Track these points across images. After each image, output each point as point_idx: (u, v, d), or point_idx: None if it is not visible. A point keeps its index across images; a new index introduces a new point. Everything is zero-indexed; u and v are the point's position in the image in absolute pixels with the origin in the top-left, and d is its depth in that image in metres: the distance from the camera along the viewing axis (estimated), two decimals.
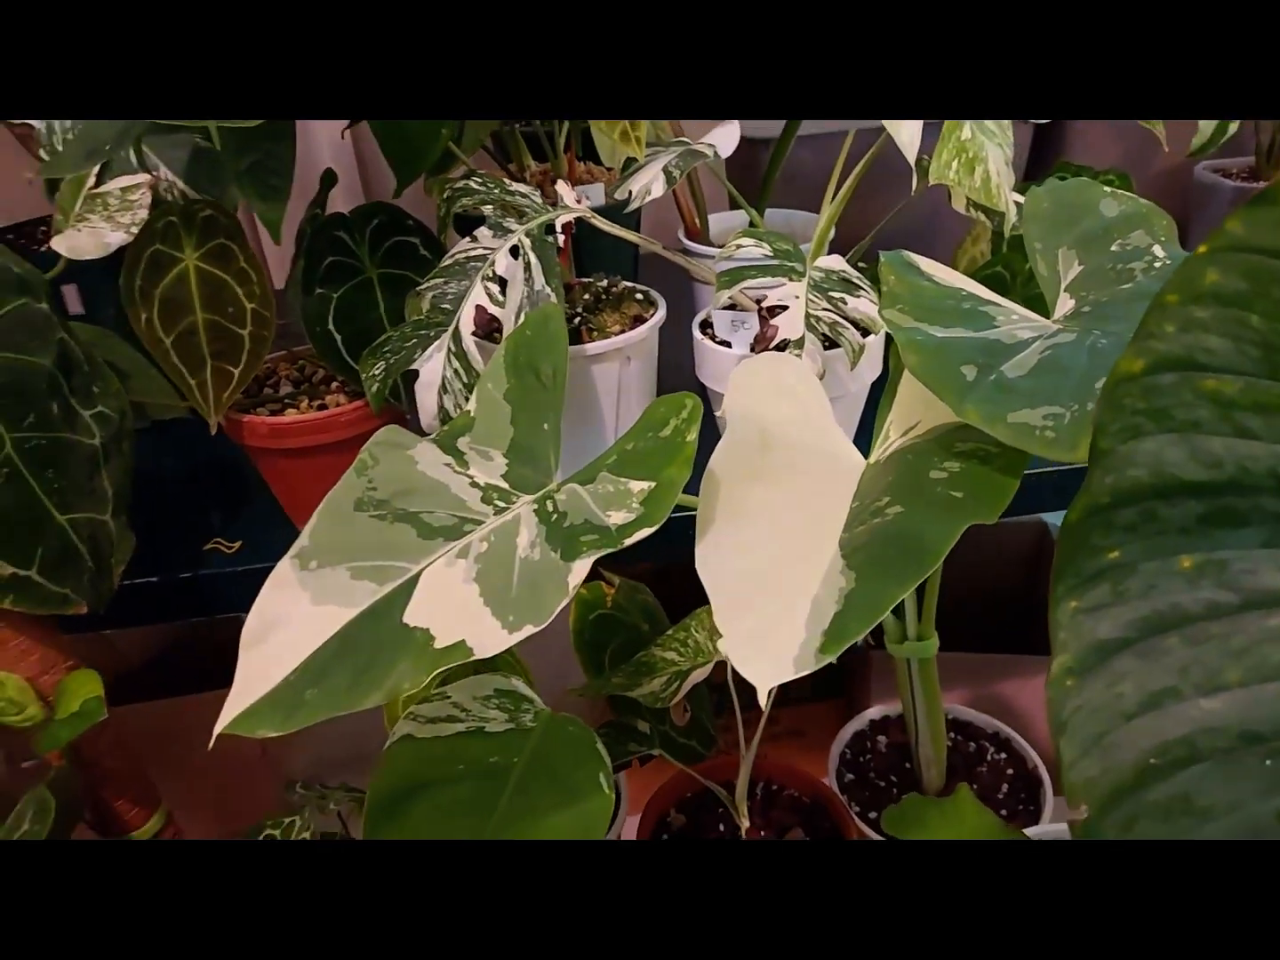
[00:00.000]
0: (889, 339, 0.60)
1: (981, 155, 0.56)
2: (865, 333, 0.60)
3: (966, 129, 0.56)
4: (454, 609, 0.39)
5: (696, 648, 0.68)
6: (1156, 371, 0.26)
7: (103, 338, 0.73)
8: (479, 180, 0.62)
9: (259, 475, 0.72)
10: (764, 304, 0.62)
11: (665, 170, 0.62)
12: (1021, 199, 0.54)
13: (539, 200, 0.62)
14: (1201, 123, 0.80)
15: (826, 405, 0.48)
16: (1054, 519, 1.15)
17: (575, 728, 0.54)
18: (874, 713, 0.86)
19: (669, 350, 0.71)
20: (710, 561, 0.40)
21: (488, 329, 0.60)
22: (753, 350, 0.62)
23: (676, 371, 0.72)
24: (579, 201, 0.63)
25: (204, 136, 0.71)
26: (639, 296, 0.69)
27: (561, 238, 0.62)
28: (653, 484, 0.41)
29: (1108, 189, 0.47)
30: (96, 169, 0.68)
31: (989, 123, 0.57)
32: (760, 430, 0.45)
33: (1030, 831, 0.65)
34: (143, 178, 0.66)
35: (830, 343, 0.59)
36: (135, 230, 0.64)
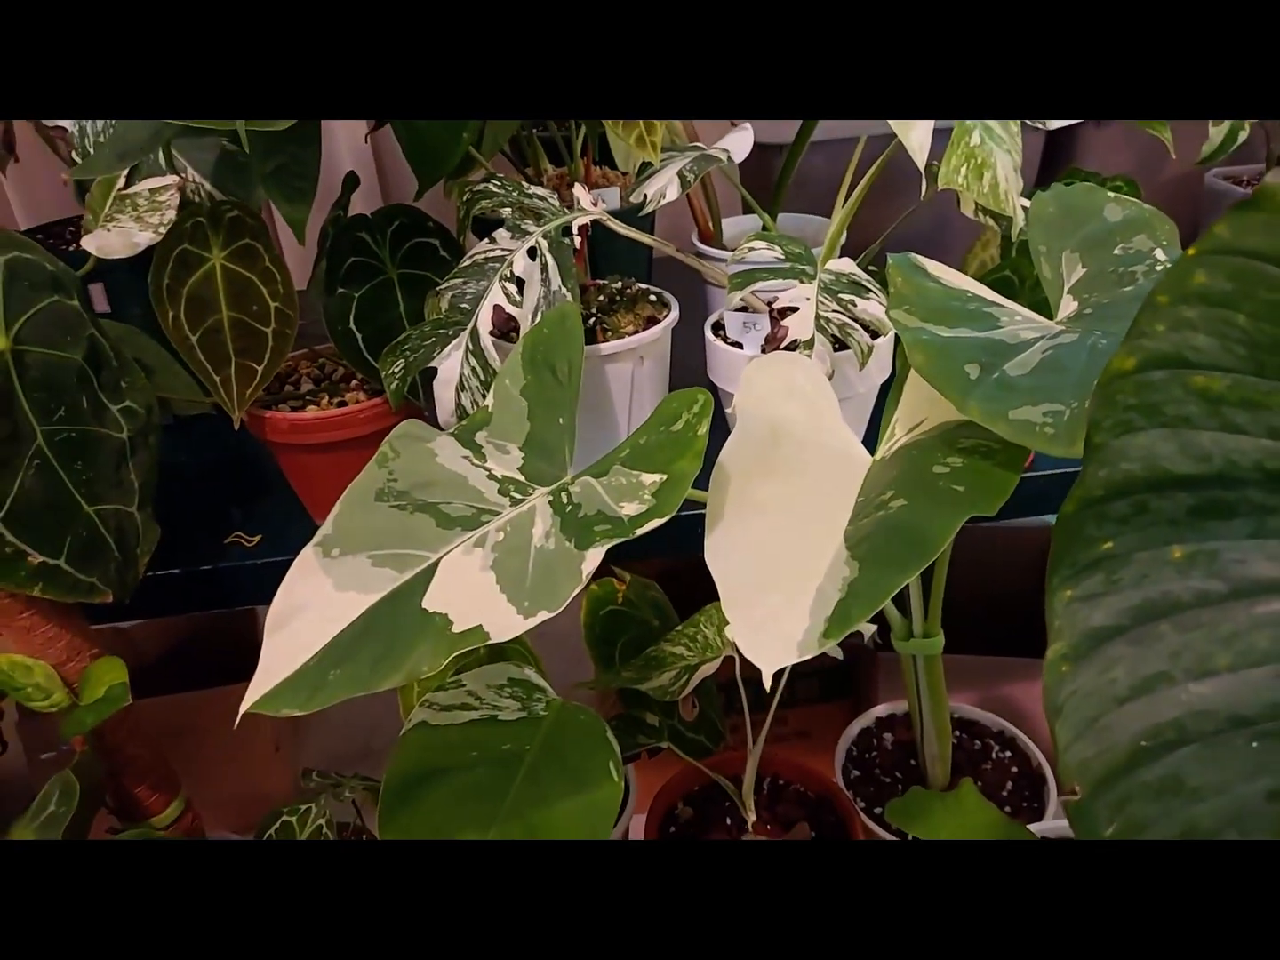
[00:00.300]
0: (898, 341, 0.61)
1: (990, 161, 0.58)
2: (874, 335, 0.62)
3: (975, 135, 0.57)
4: (471, 595, 0.41)
5: (705, 643, 0.70)
6: (1148, 369, 0.27)
7: (130, 335, 0.75)
8: (498, 183, 0.63)
9: (279, 471, 0.74)
10: (775, 305, 0.63)
11: (680, 174, 0.63)
12: (1029, 204, 0.55)
13: (556, 203, 0.64)
14: (1211, 130, 0.81)
15: (835, 404, 0.49)
16: None
17: (586, 717, 0.55)
18: (880, 710, 0.87)
19: (682, 352, 0.72)
20: (720, 553, 0.42)
21: (505, 328, 0.61)
22: (763, 351, 0.63)
23: (689, 372, 0.73)
24: (595, 205, 0.64)
25: (231, 140, 0.73)
26: (653, 298, 0.71)
27: (578, 240, 0.63)
28: (664, 476, 0.43)
29: (1111, 194, 0.48)
30: (126, 171, 0.69)
31: (997, 129, 0.58)
32: (770, 427, 0.46)
33: (1034, 828, 0.66)
34: (171, 179, 0.68)
35: (840, 344, 0.60)
36: (163, 230, 0.66)
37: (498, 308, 0.60)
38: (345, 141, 1.09)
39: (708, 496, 0.44)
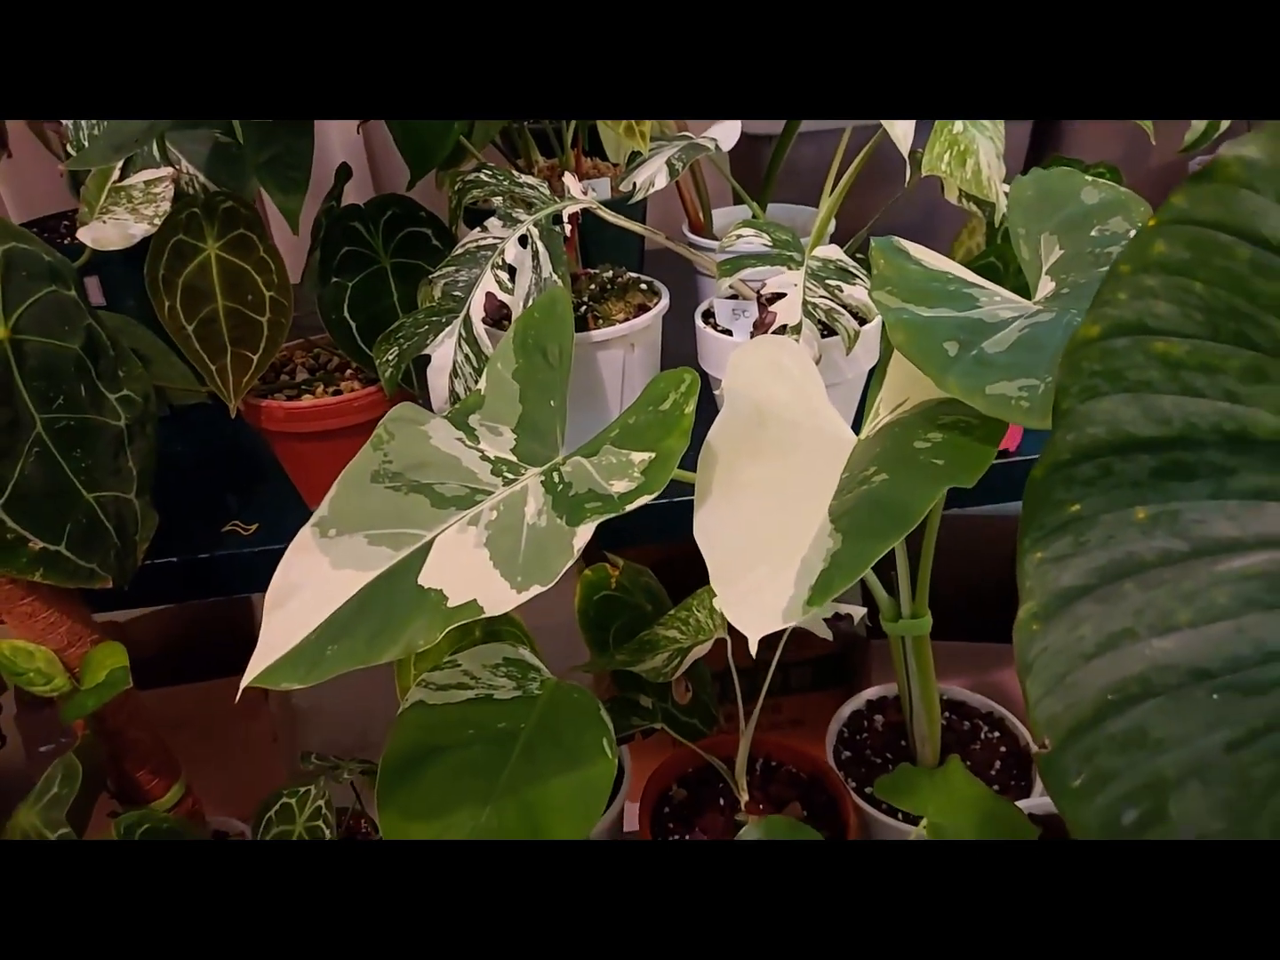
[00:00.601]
0: (884, 328, 0.62)
1: (973, 148, 0.59)
2: (862, 321, 0.63)
3: (958, 123, 0.58)
4: (466, 571, 0.42)
5: (698, 626, 0.71)
6: (1111, 336, 0.28)
7: (126, 325, 0.76)
8: (489, 173, 0.64)
9: (274, 461, 0.75)
10: (763, 291, 0.64)
11: (669, 163, 0.64)
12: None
13: (547, 192, 0.65)
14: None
15: (821, 385, 0.50)
16: None
17: (580, 696, 0.56)
18: (871, 693, 0.88)
19: (672, 342, 0.73)
20: (708, 529, 0.43)
21: (497, 315, 0.62)
22: (752, 336, 0.64)
23: (680, 360, 0.73)
24: (585, 194, 0.65)
25: (224, 132, 0.74)
26: (643, 287, 0.72)
27: (568, 228, 0.64)
28: (653, 454, 0.44)
29: (1089, 178, 0.49)
30: (120, 164, 0.70)
31: None
32: (757, 407, 0.47)
33: (1021, 804, 0.67)
34: (166, 171, 0.69)
35: (828, 331, 0.61)
36: (158, 222, 0.67)
37: (490, 295, 0.61)
38: (336, 133, 1.09)
39: (696, 476, 0.45)
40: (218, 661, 1.10)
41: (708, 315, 0.71)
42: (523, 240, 0.62)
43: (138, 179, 0.70)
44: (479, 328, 0.61)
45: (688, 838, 0.75)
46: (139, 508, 0.65)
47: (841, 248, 0.66)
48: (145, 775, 0.71)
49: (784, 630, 0.72)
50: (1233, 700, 0.28)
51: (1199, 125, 0.82)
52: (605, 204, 0.66)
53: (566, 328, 0.52)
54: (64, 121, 0.71)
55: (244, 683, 0.41)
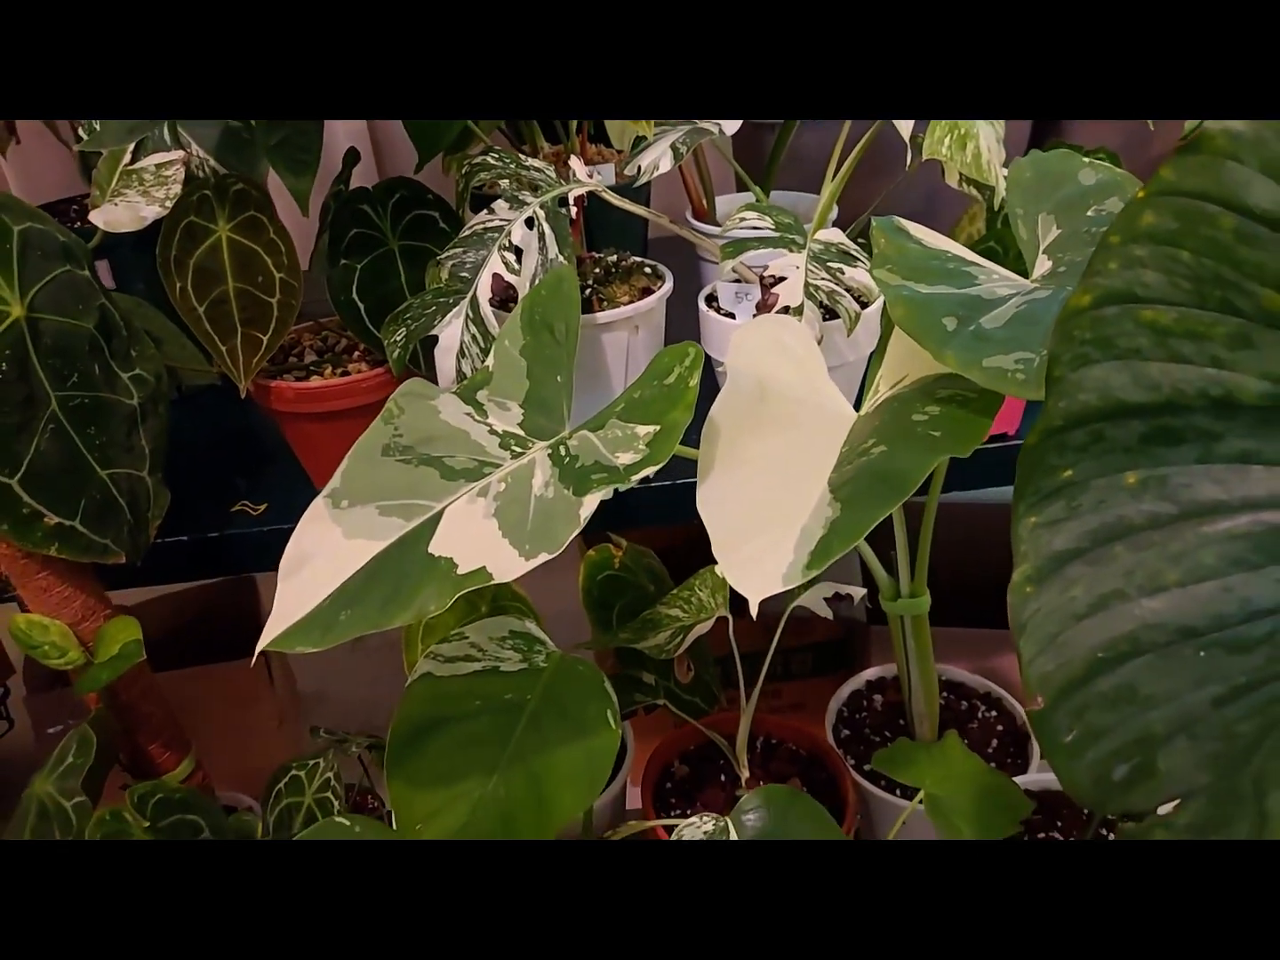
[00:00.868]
0: (885, 306, 0.63)
1: (973, 133, 0.60)
2: (864, 304, 0.64)
3: None
4: (475, 540, 0.43)
5: (700, 604, 0.72)
6: (1102, 305, 0.29)
7: (137, 306, 0.77)
8: (496, 156, 0.65)
9: (282, 443, 0.76)
10: (765, 274, 0.65)
11: (673, 147, 0.65)
12: None
13: (553, 175, 0.66)
14: None
15: (822, 363, 0.51)
16: None
17: (585, 668, 0.57)
18: (871, 674, 0.90)
19: (676, 327, 0.74)
20: (711, 501, 0.44)
21: (504, 296, 0.63)
22: (755, 318, 0.65)
23: None
24: (590, 177, 0.66)
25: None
26: (647, 270, 0.73)
27: (574, 210, 0.65)
28: (658, 427, 0.45)
29: (1086, 159, 0.50)
30: (132, 146, 0.71)
31: None
32: (759, 384, 0.48)
33: (1017, 780, 0.68)
34: (177, 154, 0.70)
35: (830, 313, 0.62)
36: (169, 204, 0.68)
37: (497, 276, 0.62)
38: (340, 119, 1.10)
39: (699, 452, 0.46)
40: (223, 645, 1.11)
41: (710, 299, 0.71)
42: (529, 222, 0.62)
43: (149, 162, 0.71)
44: (486, 308, 0.62)
45: (689, 813, 0.76)
46: (151, 485, 0.66)
47: (844, 232, 0.67)
48: (157, 749, 0.72)
49: (782, 615, 0.73)
50: (1219, 657, 0.29)
51: None
52: (610, 189, 0.66)
53: (573, 305, 0.53)
54: None
55: (259, 647, 0.42)
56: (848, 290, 0.62)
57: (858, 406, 0.51)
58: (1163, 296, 0.28)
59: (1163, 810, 0.30)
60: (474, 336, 0.62)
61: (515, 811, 0.53)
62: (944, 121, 0.59)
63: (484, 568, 0.41)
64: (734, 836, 0.56)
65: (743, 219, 0.64)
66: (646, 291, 0.70)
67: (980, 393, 0.41)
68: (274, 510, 0.74)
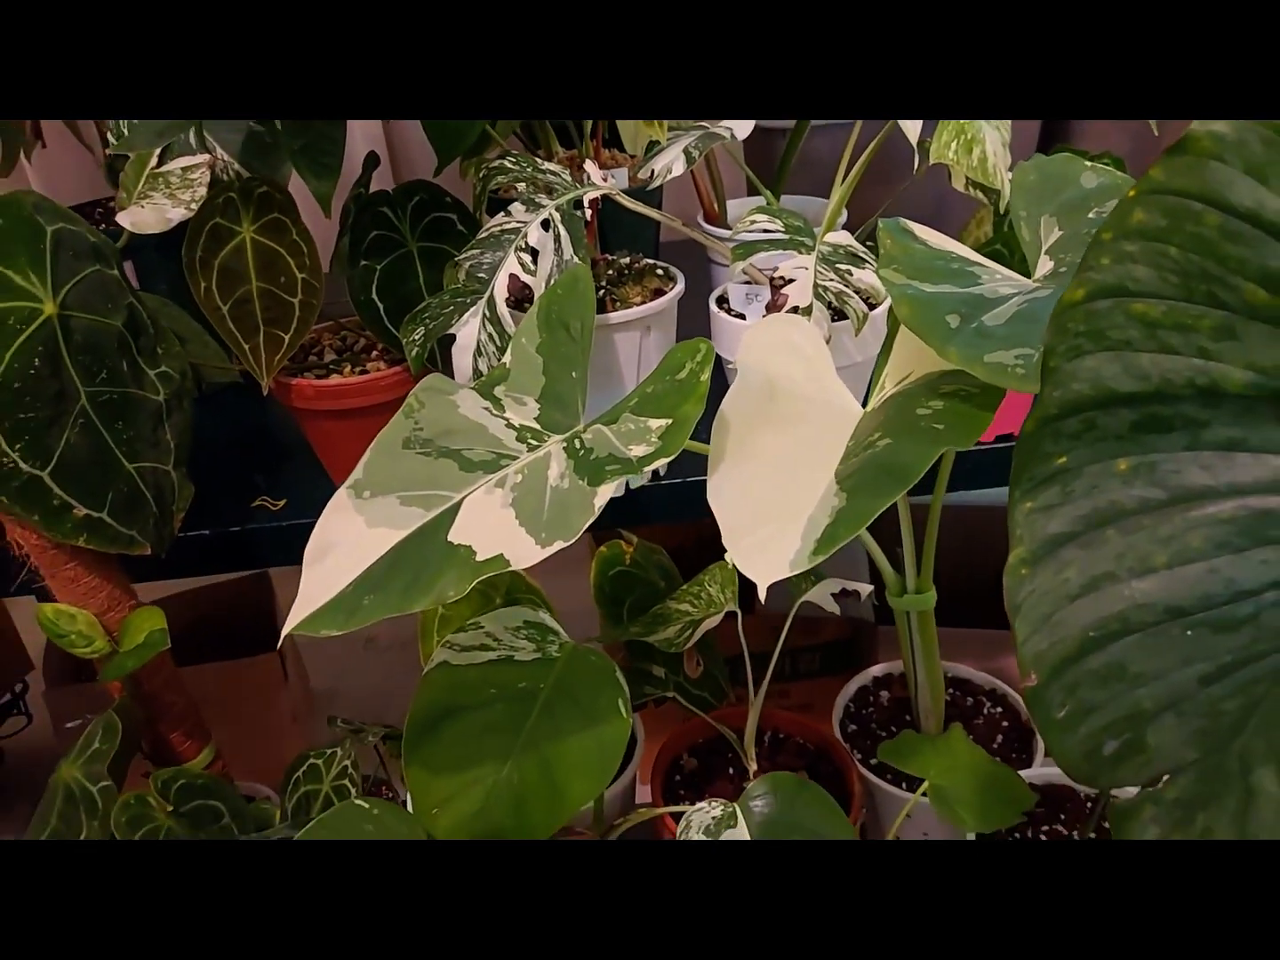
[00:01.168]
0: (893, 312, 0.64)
1: (979, 137, 0.61)
2: (872, 306, 0.65)
3: None
4: (493, 529, 0.44)
5: (709, 600, 0.73)
6: (1094, 298, 0.31)
7: (163, 306, 0.79)
8: (513, 160, 0.67)
9: (301, 440, 0.78)
10: (775, 275, 0.66)
11: (686, 151, 0.67)
12: None
13: (568, 178, 0.67)
14: None
15: (830, 362, 0.53)
16: None
17: (597, 658, 0.59)
18: (877, 670, 0.91)
19: (687, 328, 0.75)
20: (721, 493, 0.45)
21: (520, 296, 0.65)
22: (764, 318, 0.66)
23: None
24: (604, 180, 0.68)
25: (258, 121, 0.76)
26: (660, 272, 0.74)
27: (589, 213, 0.67)
28: (670, 420, 0.46)
29: (1088, 163, 0.52)
30: (159, 151, 0.73)
31: None
32: (768, 381, 0.50)
33: (1022, 774, 0.69)
34: (203, 158, 0.72)
35: (838, 315, 0.64)
36: (195, 206, 0.70)
37: (513, 276, 0.63)
38: (359, 123, 1.12)
39: (710, 445, 0.48)
40: (239, 642, 1.13)
41: (721, 300, 0.73)
42: (545, 224, 0.64)
43: (175, 165, 0.73)
44: (502, 308, 0.63)
45: (698, 804, 0.77)
46: (176, 479, 0.68)
47: (853, 235, 0.69)
48: (179, 738, 0.74)
49: (789, 613, 0.74)
50: (1205, 636, 0.31)
51: None
52: (624, 192, 0.68)
53: (588, 304, 0.55)
54: None
55: (285, 630, 0.44)
56: (856, 291, 0.64)
57: (865, 407, 0.53)
58: (1152, 290, 0.30)
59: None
60: (490, 335, 0.63)
61: (528, 797, 0.54)
62: (950, 126, 0.61)
63: (501, 555, 0.43)
64: (742, 823, 0.57)
65: (753, 222, 0.65)
66: (659, 293, 0.71)
67: (982, 388, 0.42)
68: (293, 506, 0.76)
